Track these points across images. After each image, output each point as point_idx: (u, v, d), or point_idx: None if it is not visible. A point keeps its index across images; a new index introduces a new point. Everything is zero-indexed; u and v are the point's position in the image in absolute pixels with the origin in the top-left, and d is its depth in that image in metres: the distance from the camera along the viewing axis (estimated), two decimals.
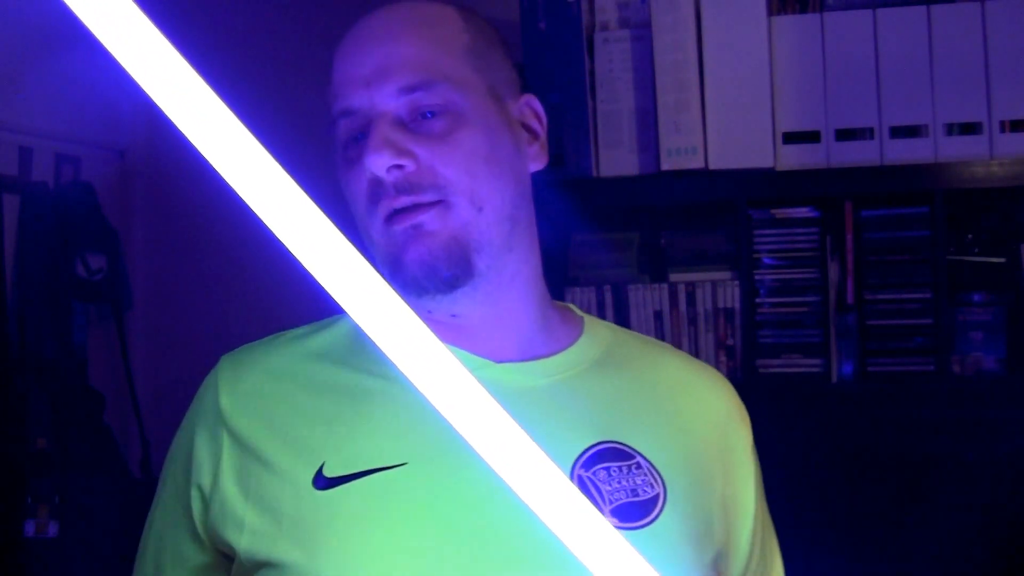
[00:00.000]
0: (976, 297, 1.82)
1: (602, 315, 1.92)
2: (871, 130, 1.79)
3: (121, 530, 2.18)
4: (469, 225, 0.77)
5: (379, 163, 0.75)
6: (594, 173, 1.89)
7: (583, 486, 0.75)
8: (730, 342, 1.86)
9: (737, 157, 1.82)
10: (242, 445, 0.80)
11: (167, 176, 2.66)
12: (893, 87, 1.78)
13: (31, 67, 2.31)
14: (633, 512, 0.76)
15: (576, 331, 0.87)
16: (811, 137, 1.81)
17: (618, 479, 0.77)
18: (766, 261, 1.87)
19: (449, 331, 0.80)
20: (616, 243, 1.99)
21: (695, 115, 1.82)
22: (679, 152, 1.82)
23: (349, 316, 0.84)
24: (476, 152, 0.78)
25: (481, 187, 0.78)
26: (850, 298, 1.83)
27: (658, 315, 1.90)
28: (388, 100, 0.77)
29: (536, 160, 0.85)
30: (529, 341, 0.83)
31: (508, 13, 2.04)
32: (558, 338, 0.85)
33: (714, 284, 1.88)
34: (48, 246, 2.24)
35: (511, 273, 0.82)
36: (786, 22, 1.82)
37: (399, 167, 0.76)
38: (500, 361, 0.81)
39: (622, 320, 1.91)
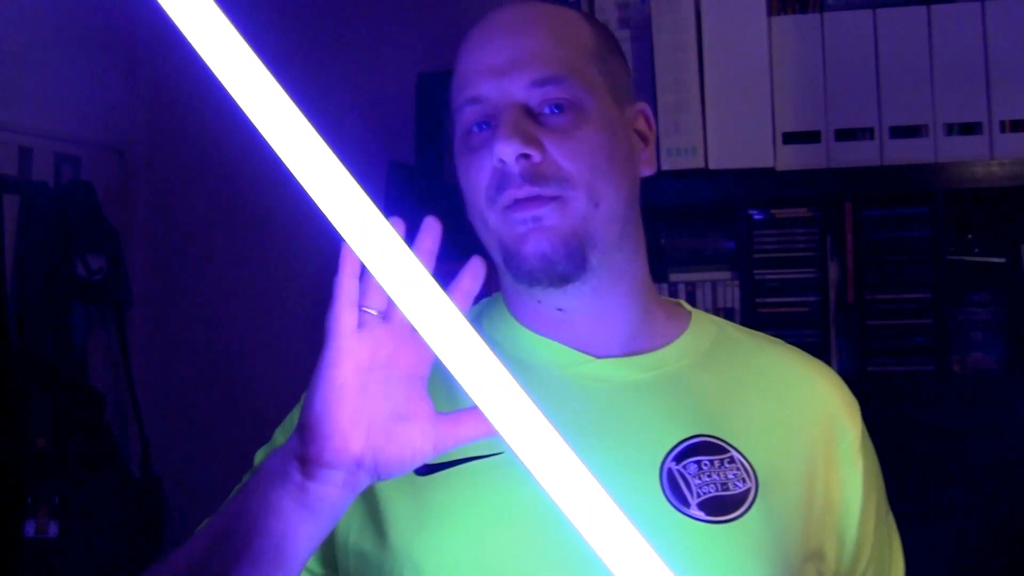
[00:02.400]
0: (976, 297, 1.82)
1: None
2: (871, 130, 1.79)
3: (121, 530, 2.18)
4: (586, 220, 0.79)
5: (508, 150, 0.77)
6: None
7: (671, 479, 0.77)
8: None
9: (737, 157, 1.82)
10: None
11: (167, 176, 2.66)
12: (893, 87, 1.78)
13: (31, 67, 2.31)
14: (721, 506, 0.77)
15: (682, 326, 0.88)
16: (811, 137, 1.81)
17: (709, 473, 0.78)
18: (766, 261, 1.87)
19: (554, 325, 0.83)
20: None
21: (695, 115, 1.82)
22: (679, 152, 1.82)
23: (480, 304, 0.88)
24: (598, 150, 0.80)
25: (600, 184, 0.80)
26: (850, 298, 1.83)
27: None
28: (519, 91, 0.79)
29: (647, 165, 0.88)
30: (632, 336, 0.85)
31: None
32: (662, 333, 0.87)
33: (714, 284, 1.88)
34: (48, 246, 2.24)
35: (619, 271, 0.84)
36: (786, 22, 1.82)
37: (526, 156, 0.78)
38: (601, 356, 0.83)
39: None
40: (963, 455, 1.73)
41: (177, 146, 2.65)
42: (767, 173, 1.82)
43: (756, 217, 1.86)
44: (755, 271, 1.86)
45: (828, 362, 1.81)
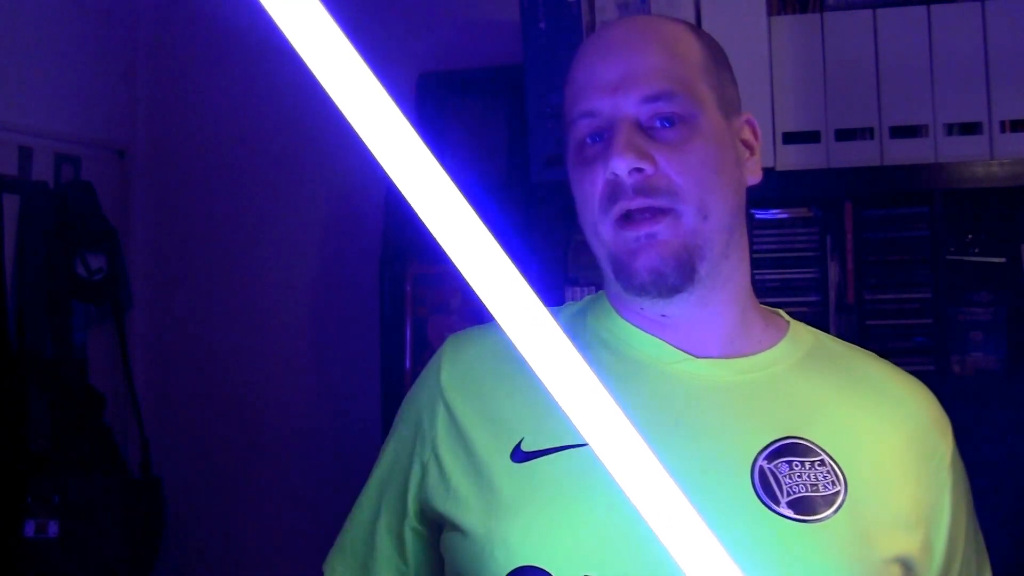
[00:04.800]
0: (976, 297, 1.82)
1: None
2: (871, 130, 1.79)
3: (121, 530, 2.18)
4: (696, 233, 0.82)
5: (622, 164, 0.80)
6: None
7: (762, 476, 0.79)
8: None
9: None
10: (454, 418, 0.87)
11: (167, 176, 2.66)
12: (893, 87, 1.78)
13: (31, 67, 2.31)
14: (810, 506, 0.78)
15: (780, 334, 0.91)
16: (811, 137, 1.80)
17: (799, 473, 0.80)
18: (766, 261, 1.87)
19: (656, 326, 0.87)
20: None
21: None
22: None
23: (585, 300, 0.93)
24: (707, 163, 0.83)
25: (708, 196, 0.83)
26: (850, 298, 1.83)
27: None
28: (632, 106, 0.82)
29: (753, 174, 0.90)
30: (731, 339, 0.88)
31: (508, 13, 2.04)
32: (760, 339, 0.89)
33: None
34: (48, 246, 2.24)
35: (724, 279, 0.87)
36: (786, 22, 1.82)
37: (639, 170, 0.81)
38: (701, 356, 0.86)
39: None
40: (963, 455, 1.73)
41: (177, 146, 2.65)
42: (767, 173, 1.81)
43: (756, 217, 1.86)
44: (755, 271, 1.85)
45: None
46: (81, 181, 2.39)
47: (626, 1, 1.93)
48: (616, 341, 0.88)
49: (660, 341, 0.86)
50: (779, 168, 1.81)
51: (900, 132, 1.78)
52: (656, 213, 0.81)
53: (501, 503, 0.81)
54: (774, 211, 1.87)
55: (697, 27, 0.91)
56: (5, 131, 2.21)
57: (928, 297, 1.79)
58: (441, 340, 0.96)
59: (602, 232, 0.84)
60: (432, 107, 2.28)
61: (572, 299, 1.93)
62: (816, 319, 1.83)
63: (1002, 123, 1.75)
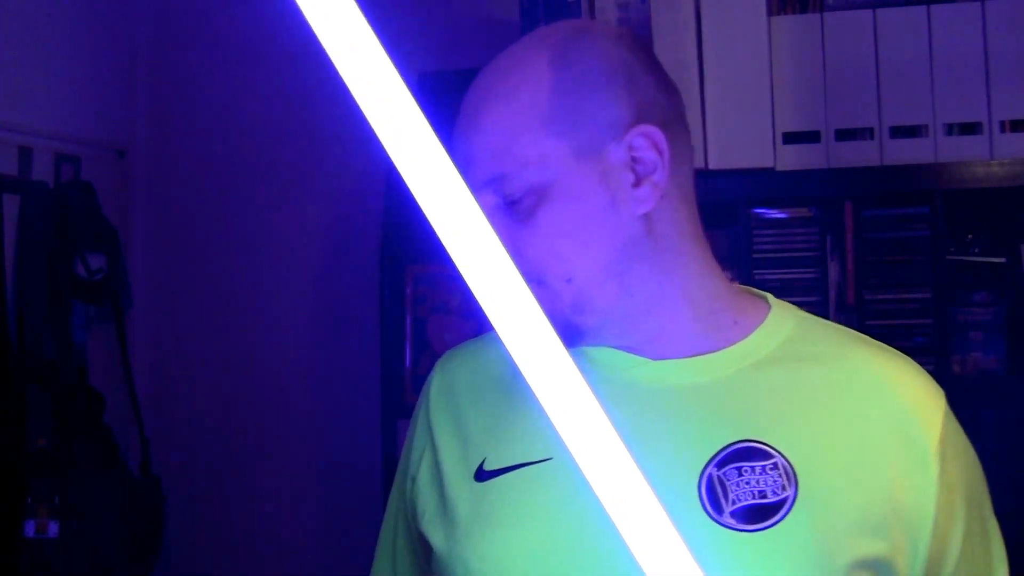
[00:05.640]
0: (976, 297, 1.82)
1: None
2: (871, 130, 1.79)
3: (121, 530, 2.18)
4: (562, 298, 0.80)
5: None
6: None
7: (710, 485, 0.76)
8: None
9: (737, 157, 1.82)
10: (434, 436, 0.88)
11: (167, 176, 2.66)
12: (893, 87, 1.78)
13: (31, 67, 2.31)
14: (755, 514, 0.75)
15: (754, 323, 0.85)
16: (811, 137, 1.81)
17: (748, 479, 0.76)
18: (766, 261, 1.87)
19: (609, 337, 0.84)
20: None
21: (695, 115, 1.82)
22: None
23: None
24: (559, 230, 0.80)
25: (566, 262, 0.80)
26: (850, 298, 1.83)
27: None
28: (475, 190, 0.79)
29: (644, 201, 0.82)
30: (691, 339, 0.84)
31: (508, 13, 2.04)
32: (730, 333, 0.84)
33: None
34: (48, 246, 2.23)
35: (647, 300, 0.83)
36: (786, 22, 1.82)
37: None
38: (657, 359, 0.83)
39: None
40: None
41: (177, 146, 2.65)
42: (767, 173, 1.82)
43: (756, 217, 1.86)
44: (755, 271, 1.86)
45: None
46: (81, 181, 2.39)
47: (626, 1, 1.93)
48: (577, 350, 0.84)
49: (612, 349, 0.84)
50: (779, 168, 1.81)
51: (900, 132, 1.78)
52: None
53: (462, 523, 0.81)
54: (774, 211, 1.87)
55: (562, 49, 0.82)
56: (5, 131, 2.21)
57: (928, 297, 1.79)
58: (441, 340, 0.97)
59: None
60: (432, 107, 2.28)
61: None
62: None
63: (1002, 123, 1.75)
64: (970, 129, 1.76)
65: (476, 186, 0.79)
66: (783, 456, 0.77)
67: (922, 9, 1.77)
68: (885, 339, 1.71)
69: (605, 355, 0.84)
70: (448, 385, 0.91)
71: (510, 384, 0.84)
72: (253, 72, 2.58)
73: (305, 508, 2.49)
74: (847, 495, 0.77)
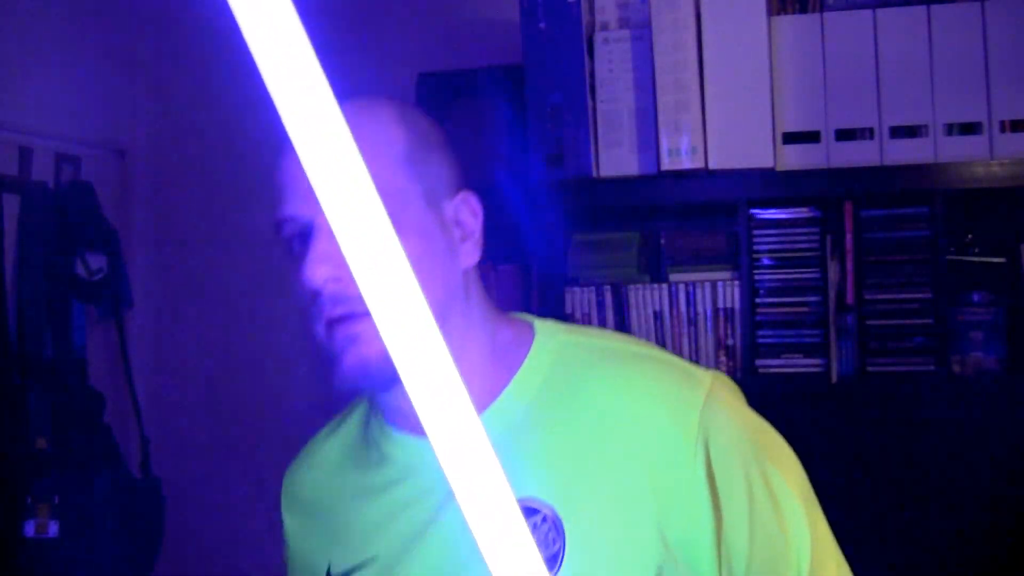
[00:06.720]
0: (976, 297, 1.82)
1: (602, 315, 1.92)
2: (871, 130, 1.79)
3: (121, 530, 2.18)
4: None
5: (316, 278, 0.81)
6: (594, 173, 1.89)
7: None
8: (730, 342, 1.86)
9: (737, 157, 1.82)
10: (292, 547, 0.97)
11: (167, 176, 2.67)
12: (893, 87, 1.78)
13: (31, 67, 2.31)
14: None
15: (520, 357, 0.88)
16: (811, 137, 1.81)
17: None
18: (766, 261, 1.87)
19: (391, 410, 0.88)
20: (616, 243, 1.99)
21: (695, 115, 1.82)
22: (679, 152, 1.82)
23: (359, 403, 0.98)
24: (411, 264, 0.81)
25: None
26: (850, 298, 1.83)
27: (658, 315, 1.90)
28: (322, 216, 0.81)
29: (468, 256, 0.87)
30: (483, 387, 0.86)
31: (508, 13, 2.04)
32: (504, 372, 0.87)
33: (714, 284, 1.88)
34: (48, 246, 2.24)
35: (454, 352, 0.86)
36: (786, 22, 1.82)
37: (336, 280, 0.81)
38: None
39: (622, 321, 1.91)
40: (963, 455, 1.73)
41: (177, 146, 2.65)
42: (767, 173, 1.82)
43: (756, 217, 1.86)
44: (755, 271, 1.86)
45: (828, 362, 1.82)
46: (81, 181, 2.39)
47: (626, 1, 1.93)
48: (378, 443, 0.91)
49: (399, 434, 0.88)
50: (779, 168, 1.81)
51: (900, 132, 1.78)
52: (356, 317, 0.81)
53: None
54: (774, 211, 1.87)
55: (408, 108, 0.90)
56: (5, 131, 2.21)
57: (928, 297, 1.79)
58: None
59: (314, 332, 0.85)
60: (432, 107, 2.28)
61: (572, 299, 1.94)
62: (816, 319, 1.83)
63: (1002, 123, 1.75)
64: (970, 129, 1.76)
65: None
66: (552, 508, 0.79)
67: (922, 9, 1.77)
68: (885, 339, 1.70)
69: (405, 449, 0.88)
70: (295, 499, 0.99)
71: (349, 488, 0.92)
72: (253, 72, 2.57)
73: None
74: (612, 539, 0.79)
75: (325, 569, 0.89)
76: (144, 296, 2.62)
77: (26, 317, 2.18)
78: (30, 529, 2.03)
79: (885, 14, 1.79)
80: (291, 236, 0.86)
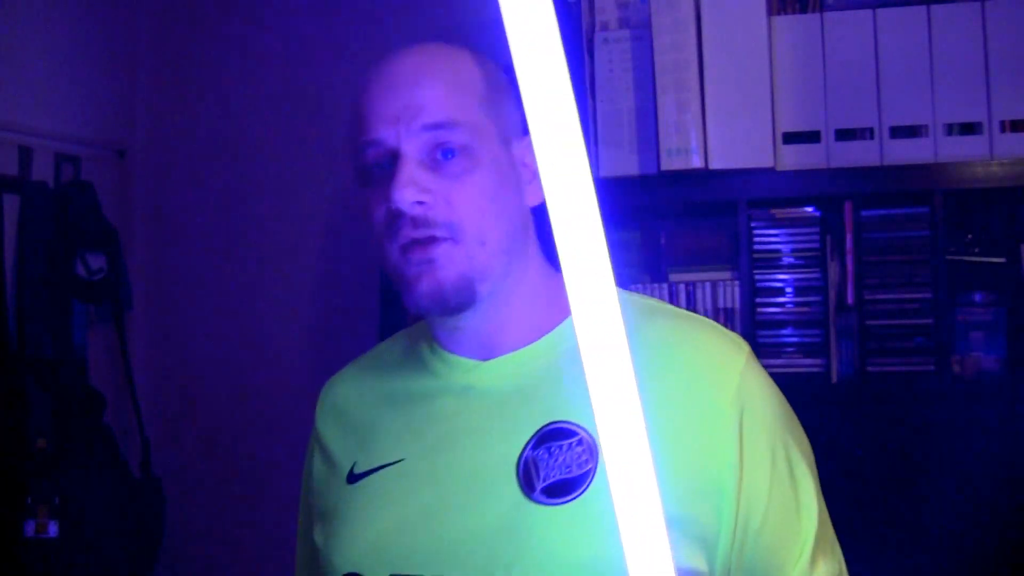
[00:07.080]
0: (976, 297, 1.83)
1: None
2: (871, 130, 1.79)
3: (121, 530, 2.18)
4: (474, 259, 0.88)
5: (404, 199, 0.85)
6: (594, 173, 1.89)
7: (525, 466, 0.85)
8: None
9: (737, 157, 1.82)
10: (323, 451, 0.99)
11: (167, 176, 2.66)
12: (893, 87, 1.78)
13: (31, 67, 2.31)
14: (562, 488, 0.83)
15: (567, 312, 0.91)
16: (811, 137, 1.81)
17: (558, 457, 0.84)
18: (766, 261, 1.87)
19: (452, 339, 0.94)
20: (616, 243, 2.00)
21: (695, 115, 1.82)
22: (679, 152, 1.83)
23: (400, 336, 1.03)
24: (485, 194, 0.88)
25: (485, 225, 0.88)
26: (850, 298, 1.83)
27: None
28: (413, 136, 0.87)
29: (534, 195, 0.94)
30: (526, 333, 0.93)
31: None
32: (548, 321, 0.93)
33: (714, 284, 1.88)
34: (48, 246, 2.24)
35: (507, 294, 0.92)
36: (786, 22, 1.82)
37: (420, 203, 0.86)
38: (489, 359, 0.92)
39: None
40: (963, 455, 1.73)
41: (177, 146, 2.65)
42: (767, 173, 1.82)
43: (756, 217, 1.86)
44: (755, 271, 1.86)
45: (828, 362, 1.82)
46: (81, 181, 2.39)
47: (626, 1, 1.93)
48: (431, 361, 0.96)
49: (452, 356, 0.93)
50: (779, 168, 1.81)
51: (900, 132, 1.78)
52: (435, 241, 0.86)
53: (335, 521, 0.92)
54: (774, 211, 1.87)
55: (479, 54, 0.95)
56: (5, 131, 2.21)
57: (928, 297, 1.79)
58: None
59: (388, 257, 0.89)
60: None
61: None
62: (816, 319, 1.83)
63: (1002, 123, 1.75)
64: (970, 129, 1.76)
65: (417, 130, 0.86)
66: (586, 431, 0.84)
67: (922, 9, 1.77)
68: (885, 339, 1.70)
69: (447, 364, 0.94)
70: (331, 406, 1.02)
71: (382, 395, 0.97)
72: (253, 72, 2.58)
73: None
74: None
75: (349, 468, 0.93)
76: (144, 296, 2.62)
77: (26, 317, 2.18)
78: (30, 529, 2.03)
79: (885, 14, 1.79)
80: (374, 160, 0.89)
